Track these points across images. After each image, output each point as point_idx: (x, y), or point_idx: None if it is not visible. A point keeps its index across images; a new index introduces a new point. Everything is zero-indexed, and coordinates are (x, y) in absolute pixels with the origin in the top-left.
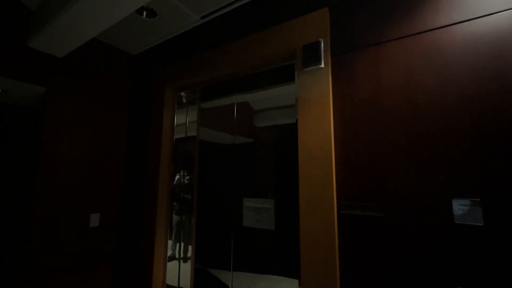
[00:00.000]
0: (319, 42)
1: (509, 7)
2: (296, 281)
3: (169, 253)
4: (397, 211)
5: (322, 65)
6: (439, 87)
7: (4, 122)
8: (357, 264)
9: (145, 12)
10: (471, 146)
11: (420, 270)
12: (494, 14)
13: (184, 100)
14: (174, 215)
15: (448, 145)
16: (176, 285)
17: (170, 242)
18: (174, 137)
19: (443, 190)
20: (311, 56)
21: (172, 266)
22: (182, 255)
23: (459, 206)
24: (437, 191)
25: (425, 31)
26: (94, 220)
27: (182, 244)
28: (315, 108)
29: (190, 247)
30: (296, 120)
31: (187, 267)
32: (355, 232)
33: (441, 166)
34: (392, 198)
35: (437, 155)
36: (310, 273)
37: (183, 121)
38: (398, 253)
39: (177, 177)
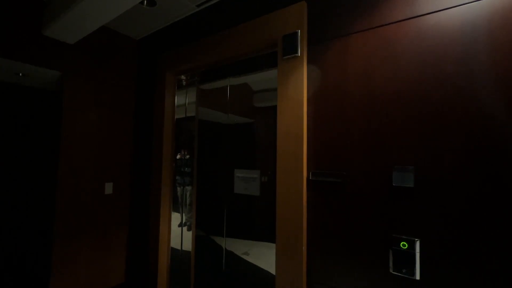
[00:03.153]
0: (296, 33)
1: (450, 6)
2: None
3: (179, 221)
4: (352, 176)
5: (299, 54)
6: (390, 75)
7: (25, 103)
8: (320, 218)
9: (145, 1)
10: (410, 125)
11: (367, 221)
12: (437, 12)
13: (184, 82)
14: (178, 188)
15: (393, 124)
16: (179, 248)
17: (179, 211)
18: (176, 117)
19: (386, 160)
20: (289, 45)
21: (177, 233)
22: (187, 223)
23: (396, 173)
24: (382, 161)
25: (383, 25)
26: (108, 188)
27: (187, 212)
28: (292, 92)
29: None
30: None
31: (189, 234)
32: (319, 193)
33: (386, 141)
34: (348, 167)
35: (384, 132)
36: (283, 228)
37: (183, 102)
38: (351, 209)
39: (179, 155)
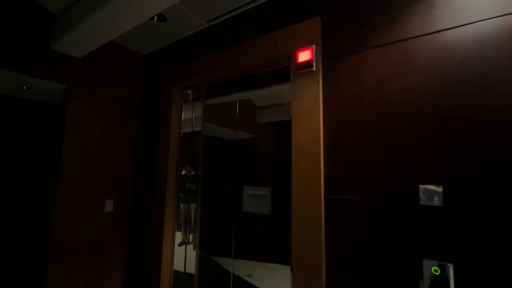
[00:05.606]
0: (311, 48)
1: (467, 22)
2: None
3: (181, 239)
4: (373, 195)
5: (314, 69)
6: (408, 89)
7: (28, 116)
8: (340, 241)
9: (156, 17)
10: (434, 140)
11: (391, 244)
12: (455, 28)
13: (190, 97)
14: (182, 205)
15: (415, 139)
16: (182, 270)
17: (181, 230)
18: (181, 132)
19: (410, 177)
20: (304, 60)
21: (178, 253)
22: (190, 242)
23: (423, 191)
24: (406, 178)
25: (400, 41)
26: (109, 205)
27: (190, 231)
28: (307, 107)
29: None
30: (291, 117)
31: (193, 254)
32: (339, 213)
33: (409, 157)
34: (368, 184)
35: (406, 148)
36: (300, 251)
37: (189, 116)
38: (375, 230)
39: (184, 171)
